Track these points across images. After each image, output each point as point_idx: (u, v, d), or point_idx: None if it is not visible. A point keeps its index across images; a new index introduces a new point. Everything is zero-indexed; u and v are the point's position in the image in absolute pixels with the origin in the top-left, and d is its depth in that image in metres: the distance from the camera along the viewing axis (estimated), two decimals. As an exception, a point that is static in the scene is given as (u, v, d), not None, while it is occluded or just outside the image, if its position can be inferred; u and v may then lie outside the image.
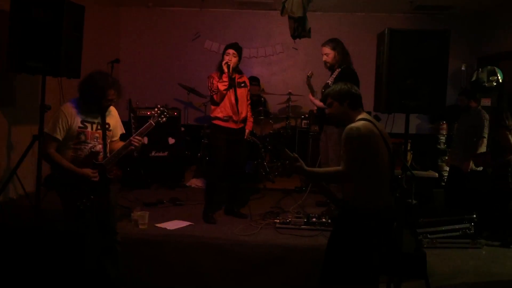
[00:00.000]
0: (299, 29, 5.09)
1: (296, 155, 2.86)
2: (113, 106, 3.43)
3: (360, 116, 2.90)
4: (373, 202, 2.75)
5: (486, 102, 6.88)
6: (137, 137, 3.30)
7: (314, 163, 5.48)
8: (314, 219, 4.28)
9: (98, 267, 3.42)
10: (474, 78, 6.55)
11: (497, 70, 6.45)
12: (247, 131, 4.77)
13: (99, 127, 3.30)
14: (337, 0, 7.14)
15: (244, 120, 4.68)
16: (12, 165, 4.74)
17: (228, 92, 4.45)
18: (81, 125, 3.22)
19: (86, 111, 3.25)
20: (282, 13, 5.17)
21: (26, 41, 4.15)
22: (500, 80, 6.43)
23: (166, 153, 6.16)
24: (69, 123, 3.18)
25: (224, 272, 3.83)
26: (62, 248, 3.86)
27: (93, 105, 3.25)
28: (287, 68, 8.12)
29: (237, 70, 4.57)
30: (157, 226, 4.23)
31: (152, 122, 3.41)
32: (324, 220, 4.26)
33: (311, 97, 4.89)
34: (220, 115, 4.53)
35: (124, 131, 3.56)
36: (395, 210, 2.98)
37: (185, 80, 7.38)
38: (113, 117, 3.45)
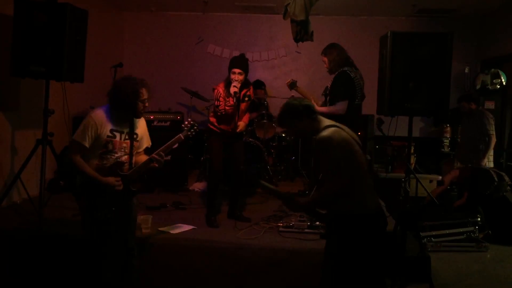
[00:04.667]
0: (302, 32, 5.09)
1: (287, 193, 2.83)
2: (142, 117, 3.36)
3: (324, 124, 2.80)
4: (365, 205, 2.69)
5: (490, 105, 6.88)
6: (160, 153, 3.22)
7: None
8: (317, 223, 4.26)
9: (115, 281, 3.37)
10: (478, 87, 6.59)
11: (501, 73, 6.45)
12: (240, 126, 4.69)
13: (127, 137, 3.24)
14: (339, 3, 7.14)
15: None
16: (16, 169, 4.75)
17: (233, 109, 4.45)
18: (110, 134, 3.15)
19: (117, 119, 3.19)
20: (284, 17, 5.18)
21: (30, 45, 4.18)
22: (504, 83, 6.42)
23: (169, 157, 6.11)
24: (98, 132, 3.12)
25: (227, 276, 3.82)
26: (68, 254, 3.89)
27: (127, 110, 3.17)
28: (290, 71, 8.11)
29: (244, 83, 4.53)
30: (160, 230, 4.22)
31: (182, 136, 3.29)
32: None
33: None
34: (217, 125, 4.56)
35: (150, 144, 3.47)
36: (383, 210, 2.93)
37: (188, 84, 7.39)
38: (141, 128, 3.37)
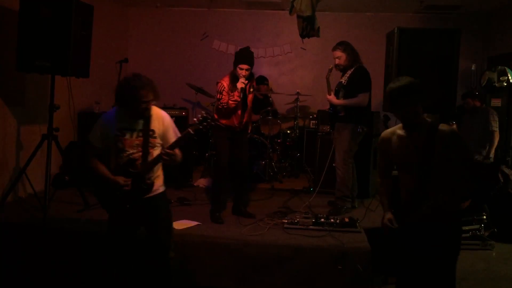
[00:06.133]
0: (308, 28, 5.06)
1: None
2: (164, 112, 3.25)
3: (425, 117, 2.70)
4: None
5: (496, 102, 6.84)
6: (167, 150, 3.10)
7: (322, 164, 5.43)
8: (322, 220, 4.25)
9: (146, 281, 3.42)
10: (484, 84, 6.56)
11: (508, 70, 6.41)
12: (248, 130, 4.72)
13: (140, 134, 3.15)
14: (345, -1, 7.11)
15: (247, 122, 4.68)
16: (21, 164, 4.76)
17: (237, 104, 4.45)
18: (117, 133, 3.11)
19: (126, 118, 3.13)
20: (290, 12, 5.15)
21: (35, 40, 4.18)
22: (511, 80, 6.37)
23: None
24: (105, 131, 3.12)
25: (232, 272, 3.81)
26: (73, 249, 3.90)
27: (130, 109, 3.09)
28: (295, 68, 8.10)
29: (248, 77, 4.49)
30: (164, 226, 4.22)
31: (191, 131, 3.07)
32: (332, 220, 4.23)
33: (329, 96, 4.81)
34: (221, 120, 4.55)
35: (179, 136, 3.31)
36: None
37: (193, 80, 7.38)
38: (162, 124, 3.21)
